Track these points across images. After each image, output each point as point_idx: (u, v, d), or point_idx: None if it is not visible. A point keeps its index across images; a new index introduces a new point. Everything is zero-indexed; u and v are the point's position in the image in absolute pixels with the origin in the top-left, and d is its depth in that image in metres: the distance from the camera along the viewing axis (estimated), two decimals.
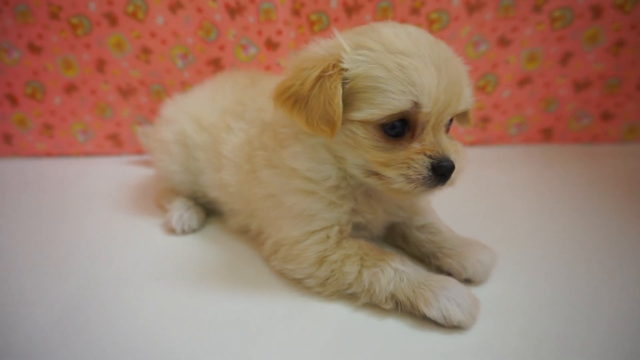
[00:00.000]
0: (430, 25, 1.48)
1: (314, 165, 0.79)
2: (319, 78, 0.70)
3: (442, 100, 0.70)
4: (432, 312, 0.71)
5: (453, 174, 0.72)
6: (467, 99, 0.74)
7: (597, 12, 1.44)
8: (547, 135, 1.63)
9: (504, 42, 1.50)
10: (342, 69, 0.70)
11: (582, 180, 1.30)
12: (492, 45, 1.51)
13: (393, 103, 0.68)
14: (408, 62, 0.68)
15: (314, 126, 0.71)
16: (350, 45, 0.72)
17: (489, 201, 1.20)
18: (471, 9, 1.46)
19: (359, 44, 0.72)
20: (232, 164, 0.94)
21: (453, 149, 0.73)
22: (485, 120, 1.62)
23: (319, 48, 0.75)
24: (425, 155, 0.71)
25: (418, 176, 0.71)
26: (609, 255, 0.92)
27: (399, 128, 0.72)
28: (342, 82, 0.70)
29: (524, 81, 1.56)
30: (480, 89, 1.57)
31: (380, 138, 0.72)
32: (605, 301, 0.78)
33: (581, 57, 1.51)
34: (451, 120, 0.77)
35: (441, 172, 0.71)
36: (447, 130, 0.77)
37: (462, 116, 0.83)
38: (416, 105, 0.69)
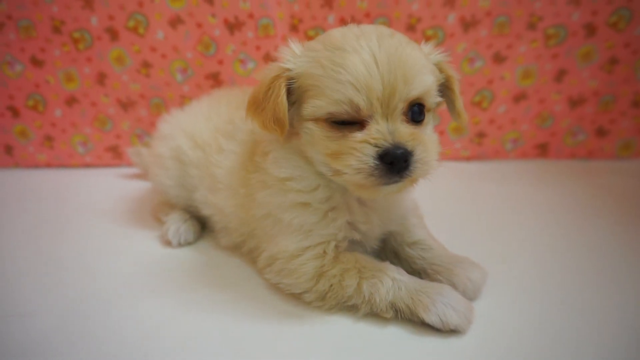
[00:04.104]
0: (427, 42, 1.50)
1: (293, 170, 0.82)
2: (271, 82, 0.75)
3: (380, 89, 0.69)
4: (431, 318, 0.73)
5: (413, 165, 0.70)
6: (419, 83, 0.71)
7: (591, 30, 1.46)
8: (542, 150, 1.64)
9: (499, 58, 1.52)
10: (286, 69, 0.75)
11: (577, 196, 1.31)
12: (488, 62, 1.53)
13: (332, 97, 0.70)
14: (340, 56, 0.70)
15: (268, 127, 0.76)
16: (300, 49, 0.78)
17: (484, 216, 1.20)
18: (466, 26, 1.48)
19: (308, 46, 0.77)
20: (227, 188, 0.95)
21: (411, 137, 0.70)
22: (481, 135, 1.63)
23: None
24: (369, 143, 0.69)
25: (363, 166, 0.69)
26: (602, 271, 0.93)
27: (347, 120, 0.71)
28: (290, 82, 0.75)
29: (519, 97, 1.57)
30: (476, 104, 1.58)
31: (330, 131, 0.73)
32: (597, 317, 0.79)
33: (576, 74, 1.52)
34: (419, 108, 0.74)
35: (389, 160, 0.68)
36: (417, 120, 0.75)
37: (451, 108, 0.84)
38: (350, 97, 0.69)
